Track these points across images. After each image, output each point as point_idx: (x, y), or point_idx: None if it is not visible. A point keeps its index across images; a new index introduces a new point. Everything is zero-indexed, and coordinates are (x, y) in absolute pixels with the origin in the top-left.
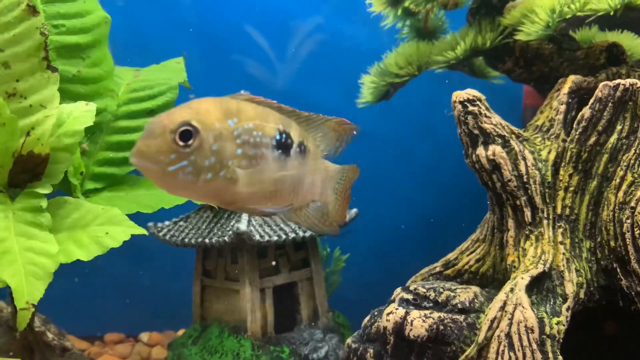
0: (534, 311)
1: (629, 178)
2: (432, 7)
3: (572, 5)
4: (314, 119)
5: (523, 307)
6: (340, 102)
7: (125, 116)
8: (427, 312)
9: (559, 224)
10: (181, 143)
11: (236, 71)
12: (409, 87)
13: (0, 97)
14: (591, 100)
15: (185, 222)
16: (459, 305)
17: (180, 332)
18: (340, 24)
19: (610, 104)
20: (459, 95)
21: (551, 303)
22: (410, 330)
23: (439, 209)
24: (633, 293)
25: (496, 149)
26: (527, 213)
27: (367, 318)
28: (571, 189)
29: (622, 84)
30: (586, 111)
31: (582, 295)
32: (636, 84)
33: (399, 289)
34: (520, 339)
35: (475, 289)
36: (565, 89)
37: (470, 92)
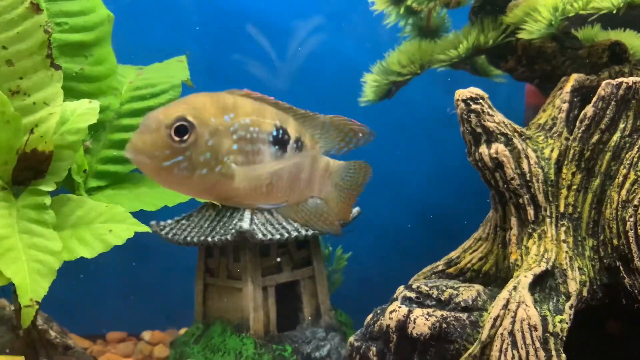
0: (537, 309)
1: (632, 176)
2: (434, 5)
3: (575, 4)
4: (312, 116)
5: (526, 305)
6: (342, 102)
7: (128, 114)
8: (430, 310)
9: (561, 222)
10: (177, 138)
11: (238, 70)
12: (411, 85)
13: (3, 94)
14: (594, 99)
15: (188, 221)
16: (462, 304)
17: (183, 330)
18: (342, 23)
19: (613, 102)
20: (462, 93)
21: (554, 301)
22: (413, 328)
23: (442, 207)
24: (636, 291)
25: (499, 147)
26: (530, 211)
27: (370, 316)
28: (574, 187)
29: (625, 82)
30: (589, 109)
31: (585, 294)
32: (639, 82)
33: (401, 287)
34: (523, 337)
35: (478, 287)
36: (568, 87)
37: (473, 91)
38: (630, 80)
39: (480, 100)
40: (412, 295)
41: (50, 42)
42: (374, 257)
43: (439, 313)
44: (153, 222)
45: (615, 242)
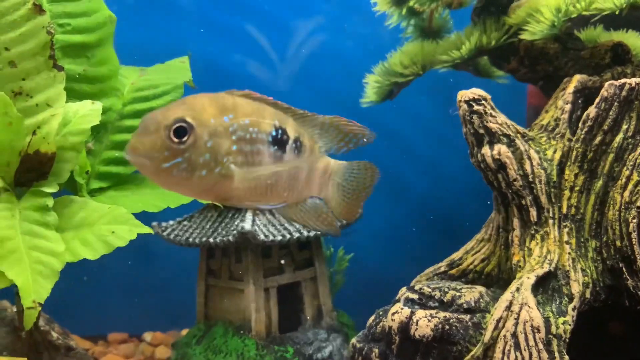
0: (540, 311)
1: (635, 178)
2: (436, 6)
3: (578, 5)
4: (311, 116)
5: (529, 307)
6: (343, 102)
7: (130, 115)
8: (432, 311)
9: (564, 224)
10: (176, 140)
11: (240, 71)
12: (413, 86)
13: (6, 96)
14: (597, 100)
15: (190, 222)
16: (465, 305)
17: (184, 331)
18: (344, 24)
19: (616, 104)
20: (464, 94)
21: (557, 303)
22: (416, 329)
23: (444, 208)
24: (639, 292)
25: (502, 149)
26: (533, 212)
27: (372, 318)
28: (577, 188)
29: (628, 84)
30: (592, 110)
31: (588, 295)
32: None
33: (404, 289)
34: (526, 339)
35: (480, 288)
36: (571, 88)
37: (476, 92)
38: (633, 81)
39: (483, 102)
40: (415, 296)
41: (53, 43)
42: (375, 259)
43: (441, 315)
44: (155, 223)
45: (618, 243)
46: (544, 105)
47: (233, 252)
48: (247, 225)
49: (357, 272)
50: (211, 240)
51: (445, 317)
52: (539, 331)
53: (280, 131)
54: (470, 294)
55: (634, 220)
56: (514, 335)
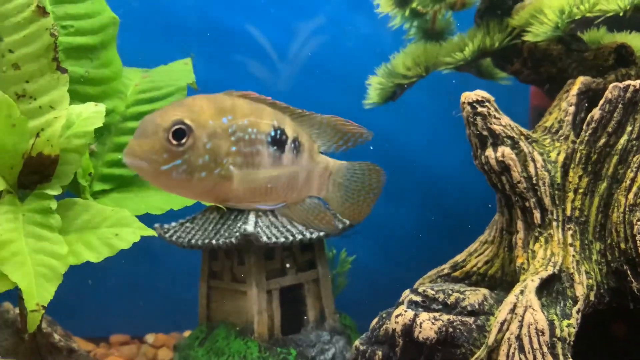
0: (544, 313)
1: None
2: (439, 8)
3: (582, 6)
4: (309, 115)
5: (533, 310)
6: (346, 103)
7: (133, 117)
8: (436, 314)
9: (568, 226)
10: (174, 142)
11: (243, 73)
12: (416, 88)
13: (10, 98)
14: (601, 102)
15: (192, 224)
16: (469, 308)
17: (187, 333)
18: (347, 25)
19: (620, 105)
20: (468, 96)
21: (561, 305)
22: (420, 332)
23: (447, 210)
24: None
25: (505, 151)
26: (537, 215)
27: (376, 320)
28: (581, 190)
29: (633, 85)
30: (596, 112)
31: (592, 298)
32: None
33: (407, 291)
34: (530, 342)
35: (484, 291)
36: (574, 90)
37: (479, 93)
38: (638, 83)
39: (487, 103)
40: (418, 299)
41: (57, 45)
42: (378, 260)
43: (445, 317)
44: (157, 225)
45: (622, 245)
46: (546, 106)
47: (235, 254)
48: (250, 227)
49: (360, 274)
50: (214, 242)
51: (449, 319)
52: (543, 334)
53: (279, 131)
54: (474, 296)
55: (639, 223)
56: (518, 338)
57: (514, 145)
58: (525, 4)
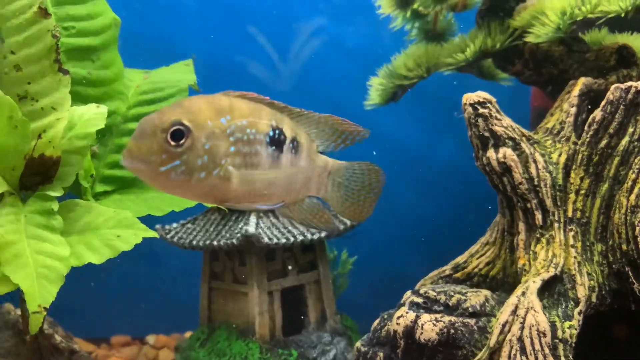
0: (545, 315)
1: None
2: (441, 9)
3: (583, 7)
4: (307, 115)
5: (535, 311)
6: (347, 104)
7: (134, 118)
8: (437, 315)
9: (570, 227)
10: (173, 143)
11: (244, 74)
12: (418, 89)
13: (12, 99)
14: (603, 103)
15: (193, 225)
16: (470, 309)
17: (188, 334)
18: (348, 26)
19: (621, 107)
20: (469, 97)
21: (563, 307)
22: (421, 333)
23: (448, 211)
24: None
25: (507, 152)
26: (538, 216)
27: (377, 321)
28: (582, 192)
29: (634, 87)
30: (597, 114)
31: (594, 299)
32: None
33: (408, 292)
34: (532, 343)
35: (485, 292)
36: (576, 91)
37: (481, 95)
38: (639, 84)
39: (488, 105)
40: (420, 300)
41: (58, 46)
42: (379, 262)
43: (446, 319)
44: (158, 226)
45: (624, 247)
46: (547, 107)
47: (237, 255)
48: (251, 228)
49: (361, 275)
50: (215, 243)
51: (450, 321)
52: (545, 335)
53: (277, 131)
54: (476, 297)
55: None
56: (520, 339)
57: (516, 147)
58: (526, 5)
